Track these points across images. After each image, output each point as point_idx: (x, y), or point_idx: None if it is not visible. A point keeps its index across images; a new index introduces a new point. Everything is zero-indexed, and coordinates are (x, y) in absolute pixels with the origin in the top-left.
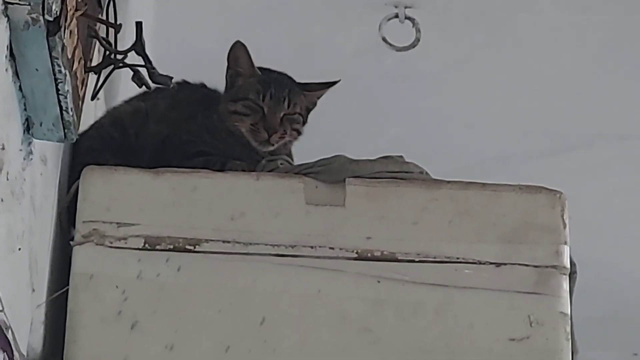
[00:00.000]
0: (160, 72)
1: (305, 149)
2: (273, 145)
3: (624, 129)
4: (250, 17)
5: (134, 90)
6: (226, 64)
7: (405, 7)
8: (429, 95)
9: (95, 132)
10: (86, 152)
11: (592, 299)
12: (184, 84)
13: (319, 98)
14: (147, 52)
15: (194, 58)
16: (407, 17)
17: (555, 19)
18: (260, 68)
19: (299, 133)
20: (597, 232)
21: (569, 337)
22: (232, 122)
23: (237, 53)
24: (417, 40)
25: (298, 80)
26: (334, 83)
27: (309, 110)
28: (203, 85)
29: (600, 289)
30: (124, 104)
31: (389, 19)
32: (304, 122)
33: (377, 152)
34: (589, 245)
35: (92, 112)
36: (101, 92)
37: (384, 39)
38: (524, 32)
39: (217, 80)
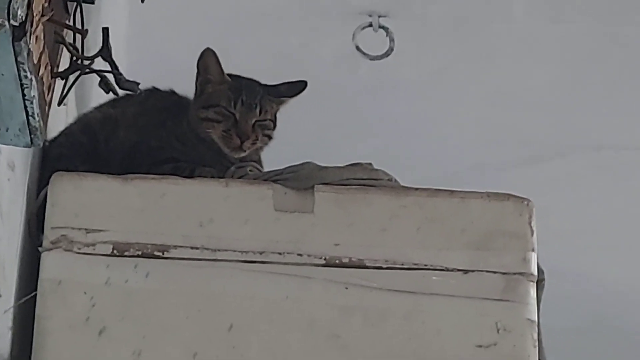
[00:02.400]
0: (134, 78)
1: (280, 157)
2: (245, 151)
3: (598, 139)
4: (226, 25)
5: (105, 96)
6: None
7: (379, 16)
8: (404, 104)
9: (64, 139)
10: (56, 159)
11: (568, 310)
12: (154, 90)
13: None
14: (121, 58)
15: (168, 65)
16: (381, 26)
17: (529, 29)
18: (229, 75)
19: (270, 138)
20: (572, 242)
21: (537, 344)
22: (204, 128)
23: (207, 60)
24: (391, 49)
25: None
26: (303, 87)
27: (276, 114)
28: (173, 92)
29: (576, 300)
30: (94, 110)
31: (363, 28)
32: (274, 127)
33: (350, 161)
34: (564, 256)
35: (63, 118)
36: (72, 98)
37: (358, 48)
38: (498, 42)
39: (192, 87)
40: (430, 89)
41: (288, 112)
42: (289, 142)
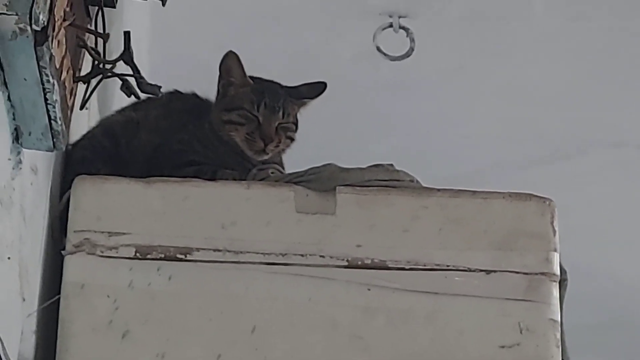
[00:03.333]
0: (156, 81)
1: (300, 157)
2: (268, 154)
3: (617, 136)
4: (246, 25)
5: (127, 100)
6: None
7: (400, 17)
8: (424, 104)
9: (87, 142)
10: (78, 162)
11: (586, 307)
12: (176, 93)
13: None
14: (143, 61)
15: (189, 67)
16: (401, 27)
17: (548, 26)
18: (251, 77)
19: (292, 140)
20: (591, 240)
21: (559, 344)
22: (227, 131)
23: (230, 63)
24: (412, 49)
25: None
26: (324, 88)
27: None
28: (194, 95)
29: (595, 297)
30: (116, 113)
31: (384, 29)
32: (296, 129)
33: (371, 161)
34: (583, 253)
35: (86, 122)
36: (94, 101)
37: (378, 49)
38: (517, 40)
39: (213, 89)
40: (450, 88)
41: (309, 113)
42: (310, 142)
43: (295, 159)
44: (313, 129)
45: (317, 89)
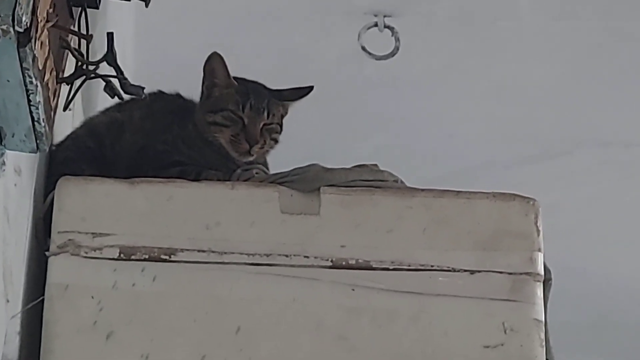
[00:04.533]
0: (140, 82)
1: (287, 157)
2: (253, 155)
3: (605, 135)
4: (231, 26)
5: (111, 101)
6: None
7: (385, 16)
8: (410, 103)
9: (71, 143)
10: (62, 163)
11: (575, 306)
12: (160, 94)
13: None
14: (128, 61)
15: (174, 67)
16: (386, 26)
17: (535, 26)
18: (235, 78)
19: (277, 142)
20: (580, 239)
21: (544, 343)
22: (212, 133)
23: (214, 64)
24: (397, 48)
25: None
26: (309, 90)
27: (282, 117)
28: (179, 95)
29: (584, 296)
30: (100, 114)
31: (369, 28)
32: (281, 130)
33: (357, 160)
34: (571, 252)
35: (70, 123)
36: (78, 102)
37: (364, 48)
38: (504, 39)
39: (198, 90)
40: (436, 87)
41: (294, 113)
42: (295, 142)
43: (280, 159)
44: (299, 128)
45: (302, 91)
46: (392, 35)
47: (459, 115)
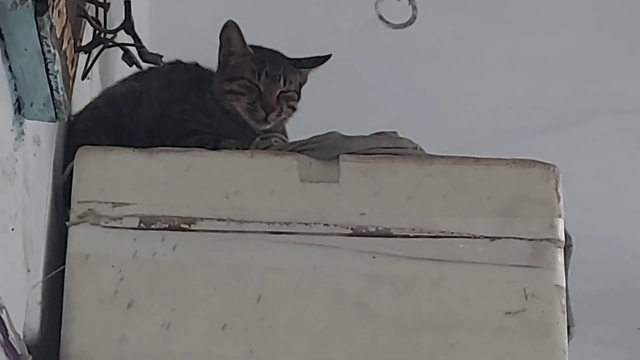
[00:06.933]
0: (157, 50)
1: (302, 126)
2: (270, 123)
3: (620, 103)
4: None
5: (129, 69)
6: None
7: None
8: (426, 73)
9: (89, 113)
10: (81, 133)
11: (593, 275)
12: (177, 63)
13: (310, 73)
14: (144, 30)
15: (191, 36)
16: None
17: None
18: (252, 46)
19: (294, 110)
20: (596, 208)
21: (565, 309)
22: (228, 101)
23: (230, 32)
24: (414, 17)
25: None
26: (327, 58)
27: (301, 86)
28: (196, 65)
29: (601, 264)
30: (118, 84)
31: None
32: (298, 99)
33: (373, 130)
34: (589, 221)
35: (88, 92)
36: (96, 72)
37: (381, 17)
38: (520, 8)
39: (213, 59)
40: (453, 57)
41: (311, 82)
42: (313, 112)
43: (298, 128)
44: (316, 98)
45: (320, 59)
46: (409, 4)
47: (474, 85)
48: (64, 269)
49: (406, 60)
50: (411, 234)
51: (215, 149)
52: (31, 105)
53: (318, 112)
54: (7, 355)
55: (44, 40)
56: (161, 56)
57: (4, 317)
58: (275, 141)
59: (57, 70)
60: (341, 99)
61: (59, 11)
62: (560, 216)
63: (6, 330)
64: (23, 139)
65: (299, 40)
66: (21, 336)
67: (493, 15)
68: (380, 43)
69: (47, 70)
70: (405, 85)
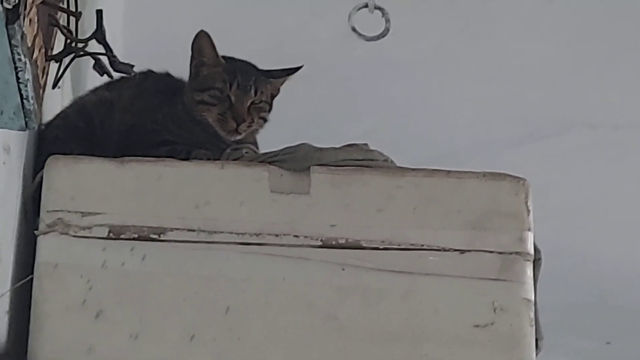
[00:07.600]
0: (130, 60)
1: (277, 137)
2: (241, 134)
3: (594, 117)
4: (222, 5)
5: (101, 79)
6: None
7: None
8: (401, 84)
9: (60, 122)
10: (51, 142)
11: (565, 287)
12: (149, 73)
13: (282, 85)
14: (118, 39)
15: (163, 46)
16: (376, 7)
17: (526, 6)
18: (223, 57)
19: (265, 121)
20: (568, 220)
21: (533, 323)
22: (199, 111)
23: (201, 42)
24: (387, 29)
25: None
26: (298, 69)
27: (273, 97)
28: (168, 75)
29: (574, 277)
30: (90, 93)
31: (359, 9)
32: (269, 110)
33: (349, 141)
34: (562, 234)
35: (59, 101)
36: (67, 81)
37: (354, 29)
38: (495, 20)
39: (187, 69)
40: (427, 68)
41: (287, 93)
42: (285, 122)
43: (270, 139)
44: (289, 109)
45: (291, 70)
46: (382, 16)
47: (449, 97)
48: (32, 278)
49: (382, 72)
50: (381, 246)
51: (186, 159)
52: (1, 113)
53: (291, 122)
54: None
55: (15, 48)
56: (132, 66)
57: None
58: (246, 152)
59: (28, 79)
60: (315, 110)
61: (30, 19)
62: (529, 229)
63: None
64: None
65: (273, 50)
66: None
67: (469, 28)
68: (356, 54)
69: (18, 78)
70: (381, 96)
